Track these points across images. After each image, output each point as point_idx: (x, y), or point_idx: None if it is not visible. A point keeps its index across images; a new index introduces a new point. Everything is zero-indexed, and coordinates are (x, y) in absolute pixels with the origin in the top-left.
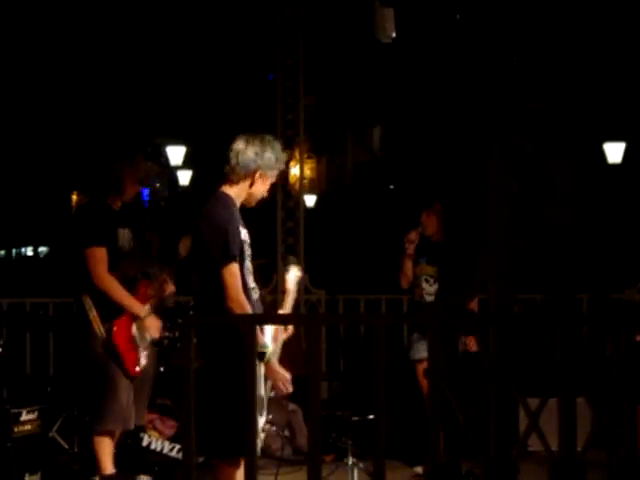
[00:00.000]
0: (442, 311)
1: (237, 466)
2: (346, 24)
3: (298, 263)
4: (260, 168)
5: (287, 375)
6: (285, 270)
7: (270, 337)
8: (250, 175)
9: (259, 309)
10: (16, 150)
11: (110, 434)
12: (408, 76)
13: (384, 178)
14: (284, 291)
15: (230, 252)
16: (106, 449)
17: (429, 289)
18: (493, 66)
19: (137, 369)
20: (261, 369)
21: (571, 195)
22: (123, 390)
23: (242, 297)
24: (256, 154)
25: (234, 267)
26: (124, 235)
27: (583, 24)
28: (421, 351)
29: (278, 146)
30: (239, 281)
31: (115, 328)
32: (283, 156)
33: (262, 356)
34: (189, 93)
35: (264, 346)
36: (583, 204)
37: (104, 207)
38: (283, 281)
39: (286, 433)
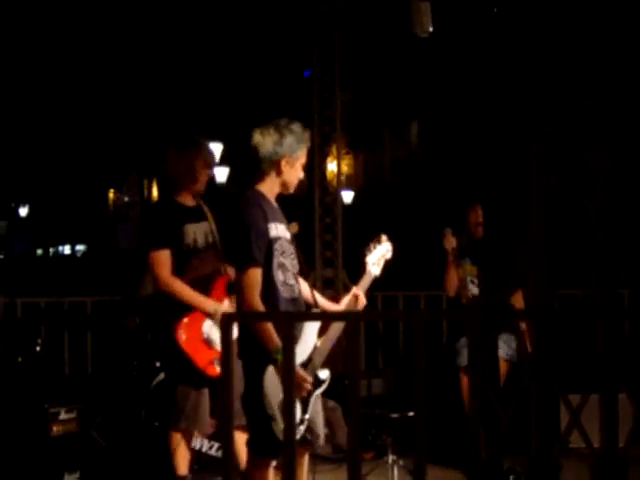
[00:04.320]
0: (482, 308)
1: (267, 465)
2: (383, 19)
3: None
4: (284, 156)
5: (306, 376)
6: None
7: (314, 335)
8: (275, 165)
9: (298, 306)
10: (52, 148)
11: (182, 433)
12: (445, 71)
13: (422, 174)
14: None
15: (250, 255)
16: (177, 449)
17: (474, 290)
18: (531, 60)
19: (217, 368)
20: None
21: (611, 190)
22: (196, 392)
23: (256, 301)
24: (275, 143)
25: (252, 272)
26: (196, 231)
27: (620, 16)
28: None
29: (297, 127)
30: (256, 286)
31: (179, 330)
32: (305, 134)
33: (275, 362)
34: (225, 90)
35: (277, 352)
36: (623, 199)
37: (168, 205)
38: (320, 277)
39: (325, 430)
